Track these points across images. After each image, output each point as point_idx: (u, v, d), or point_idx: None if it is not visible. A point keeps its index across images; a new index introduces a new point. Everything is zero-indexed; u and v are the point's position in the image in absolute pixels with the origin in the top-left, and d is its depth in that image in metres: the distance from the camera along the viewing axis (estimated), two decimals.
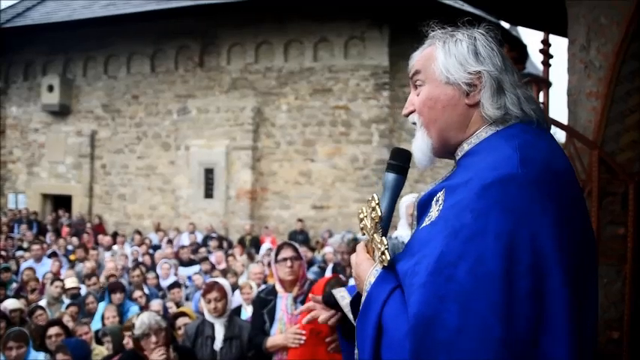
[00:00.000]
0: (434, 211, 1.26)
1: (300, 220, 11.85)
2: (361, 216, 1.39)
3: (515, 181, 1.13)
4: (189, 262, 9.05)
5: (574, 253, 1.16)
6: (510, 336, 1.07)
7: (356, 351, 1.32)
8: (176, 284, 6.82)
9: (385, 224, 1.33)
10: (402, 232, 4.30)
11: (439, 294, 1.10)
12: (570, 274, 1.13)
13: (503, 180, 1.13)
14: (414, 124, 1.37)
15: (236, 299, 5.51)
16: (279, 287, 3.51)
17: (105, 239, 11.25)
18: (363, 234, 1.39)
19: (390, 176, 1.37)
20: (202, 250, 9.89)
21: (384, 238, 1.29)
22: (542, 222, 1.12)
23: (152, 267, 8.29)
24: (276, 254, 3.55)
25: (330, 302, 1.56)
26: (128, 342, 4.34)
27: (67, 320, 5.11)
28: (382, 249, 1.27)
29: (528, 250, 1.10)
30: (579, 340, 1.12)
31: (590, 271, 1.23)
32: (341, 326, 1.54)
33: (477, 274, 1.09)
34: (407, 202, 4.24)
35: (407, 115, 1.39)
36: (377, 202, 1.32)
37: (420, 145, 1.35)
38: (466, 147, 1.31)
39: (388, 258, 1.26)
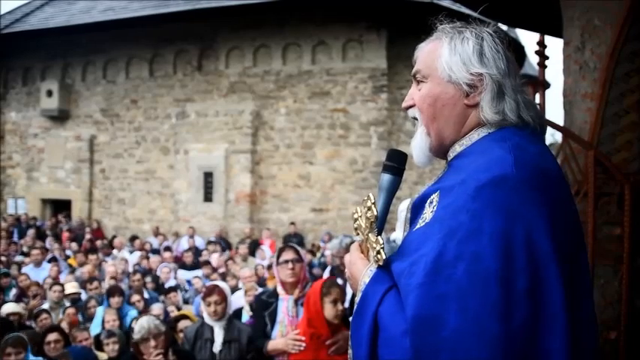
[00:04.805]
0: (427, 213, 1.26)
1: (292, 224, 11.81)
2: (355, 216, 1.39)
3: (509, 182, 1.14)
4: (192, 266, 9.06)
5: (566, 251, 1.17)
6: (508, 333, 1.08)
7: (350, 351, 1.32)
8: (172, 288, 6.82)
9: (380, 224, 1.34)
10: (400, 234, 4.29)
11: (438, 294, 1.11)
12: (564, 271, 1.14)
13: (497, 181, 1.14)
14: (415, 119, 1.37)
15: (236, 302, 5.52)
16: (280, 290, 3.52)
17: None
18: (357, 234, 1.39)
19: (386, 177, 1.38)
20: (204, 253, 9.90)
21: (379, 237, 1.29)
22: (536, 221, 1.13)
23: (151, 271, 8.30)
24: (278, 257, 3.57)
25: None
26: None
27: (64, 326, 5.05)
28: (377, 248, 1.27)
29: (523, 248, 1.11)
30: (576, 336, 1.14)
31: (582, 269, 1.24)
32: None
33: (474, 273, 1.10)
34: (405, 205, 4.23)
35: (406, 109, 1.38)
36: (373, 201, 1.32)
37: (418, 143, 1.35)
38: (458, 148, 1.32)
39: (384, 257, 1.26)
